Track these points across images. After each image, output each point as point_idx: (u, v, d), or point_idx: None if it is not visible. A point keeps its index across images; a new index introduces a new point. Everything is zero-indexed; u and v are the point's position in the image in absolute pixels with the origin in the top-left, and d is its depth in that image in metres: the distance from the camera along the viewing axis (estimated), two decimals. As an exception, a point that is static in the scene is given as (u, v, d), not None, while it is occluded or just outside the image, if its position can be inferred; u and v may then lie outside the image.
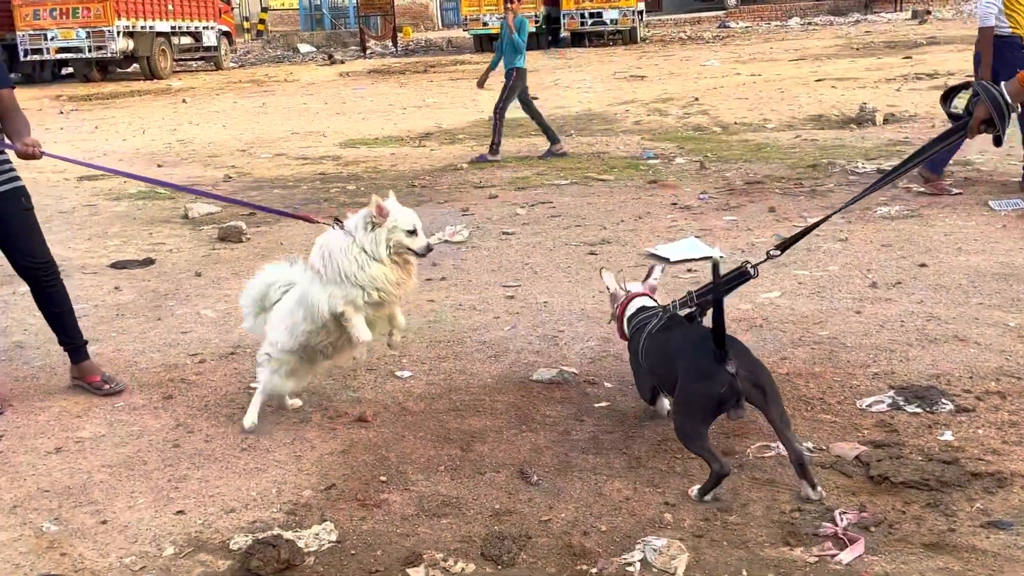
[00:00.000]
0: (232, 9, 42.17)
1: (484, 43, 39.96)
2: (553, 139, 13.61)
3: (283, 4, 65.60)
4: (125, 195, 12.17)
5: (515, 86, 13.61)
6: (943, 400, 4.92)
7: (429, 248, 4.91)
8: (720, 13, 51.71)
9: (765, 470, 4.42)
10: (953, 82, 18.38)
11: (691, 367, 4.25)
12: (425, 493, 4.41)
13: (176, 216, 10.90)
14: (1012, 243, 7.48)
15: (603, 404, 5.20)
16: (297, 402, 5.43)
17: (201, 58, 38.38)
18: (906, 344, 5.69)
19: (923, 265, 7.06)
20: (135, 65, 33.66)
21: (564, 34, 40.48)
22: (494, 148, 13.54)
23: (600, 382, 5.48)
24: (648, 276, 5.19)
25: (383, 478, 4.56)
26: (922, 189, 9.46)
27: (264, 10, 60.11)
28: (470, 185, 11.75)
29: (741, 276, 4.69)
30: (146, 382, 5.94)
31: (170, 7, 33.83)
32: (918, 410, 4.86)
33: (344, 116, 19.80)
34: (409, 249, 4.82)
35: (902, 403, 4.94)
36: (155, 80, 32.16)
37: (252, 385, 5.76)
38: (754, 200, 9.69)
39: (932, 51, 25.50)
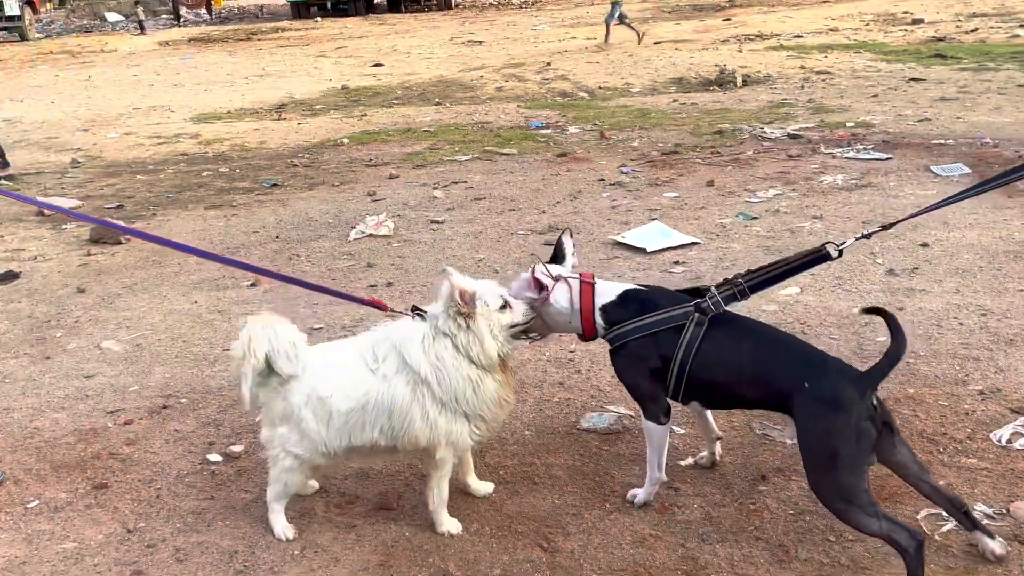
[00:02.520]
0: (34, -23, 37.52)
1: (302, 10, 37.34)
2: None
3: (84, -28, 59.60)
4: (-41, 188, 9.74)
5: None
6: (1088, 426, 3.82)
7: (532, 309, 3.43)
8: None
9: (954, 553, 3.16)
10: (785, 42, 17.86)
11: (822, 396, 2.95)
12: (528, 632, 2.93)
13: (28, 212, 8.68)
14: (992, 214, 6.54)
15: (688, 462, 3.82)
16: (314, 485, 3.79)
17: (3, 28, 33.86)
18: (985, 349, 4.57)
19: (924, 245, 6.01)
20: (-68, 36, 29.26)
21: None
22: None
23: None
24: (562, 256, 3.56)
25: (458, 610, 3.05)
26: None
27: (65, -22, 54.34)
28: (360, 163, 10.01)
29: (821, 258, 3.31)
30: (61, 462, 4.12)
31: (-32, -25, 29.50)
32: (1068, 443, 3.74)
33: (184, 88, 17.35)
34: (513, 326, 3.38)
35: (1043, 434, 3.80)
36: (-43, 52, 28.00)
37: (210, 458, 4.09)
38: (682, 173, 8.45)
39: (739, 13, 25.09)
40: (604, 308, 3.40)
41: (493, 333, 3.32)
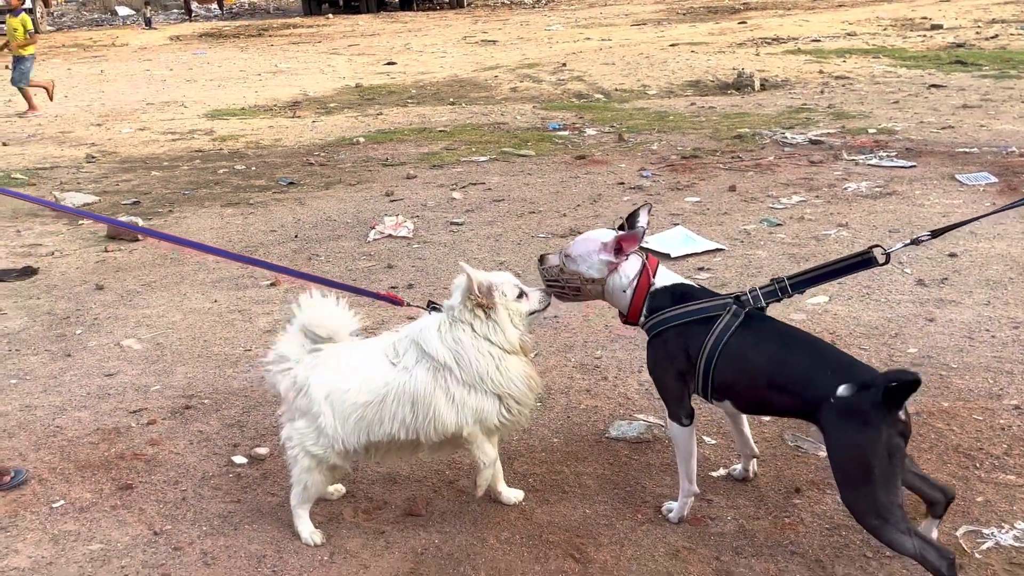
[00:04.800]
0: (45, -30, 37.63)
1: (313, 6, 37.41)
2: None
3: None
4: (-27, 182, 9.76)
5: None
6: None
7: (548, 294, 3.49)
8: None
9: (995, 570, 3.13)
10: (802, 46, 17.81)
11: (850, 409, 2.87)
12: (564, 644, 2.91)
13: (44, 208, 8.68)
14: (1021, 224, 6.49)
15: (720, 473, 3.79)
16: (340, 489, 3.79)
17: (15, 21, 33.93)
18: (1019, 363, 4.53)
19: (953, 255, 5.97)
20: (-56, 28, 29.30)
21: (391, -3, 38.43)
22: None
23: (699, 437, 4.07)
24: (636, 223, 3.43)
25: (491, 620, 3.03)
26: None
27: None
28: (376, 162, 10.00)
29: (867, 263, 3.25)
30: (85, 462, 4.11)
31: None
32: (1106, 460, 3.70)
33: (197, 84, 17.37)
34: (532, 313, 3.44)
35: (1081, 451, 3.77)
36: (-32, 44, 28.07)
37: (235, 460, 4.08)
38: (702, 177, 8.43)
39: (754, 16, 25.03)
40: (653, 294, 3.34)
41: (513, 322, 3.37)
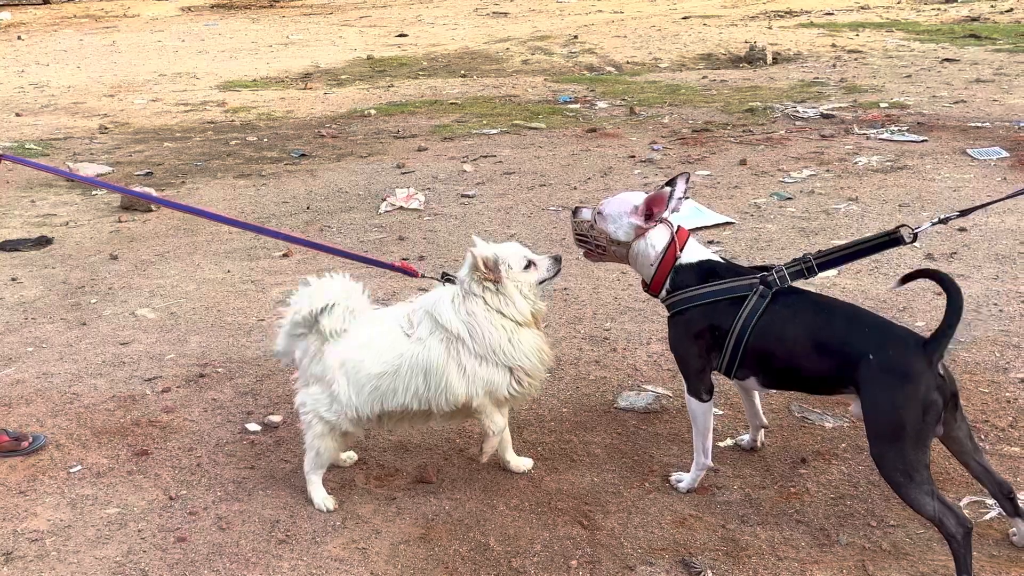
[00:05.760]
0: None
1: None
2: None
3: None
4: (-12, 152, 9.80)
5: None
6: None
7: (558, 260, 3.54)
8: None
9: (998, 542, 3.17)
10: (815, 20, 17.66)
11: (889, 366, 2.89)
12: (572, 609, 2.96)
13: (58, 178, 8.73)
14: (1031, 200, 6.48)
15: (727, 443, 3.83)
16: (353, 456, 3.84)
17: (27, -9, 33.79)
18: (1025, 337, 4.56)
19: (962, 230, 5.96)
20: (-45, -2, 29.26)
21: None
22: None
23: (705, 407, 4.10)
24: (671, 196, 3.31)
25: (501, 585, 3.08)
26: None
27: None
28: (388, 134, 10.01)
29: (894, 241, 3.21)
30: (102, 428, 4.17)
31: (-9, -65, 29.44)
32: (1110, 433, 3.73)
33: (208, 55, 17.34)
34: (542, 282, 3.48)
35: (1086, 424, 3.79)
36: (-20, 14, 28.00)
37: (249, 427, 4.13)
38: (713, 151, 8.42)
39: (768, -11, 24.79)
40: (678, 269, 3.31)
41: (523, 293, 3.41)
